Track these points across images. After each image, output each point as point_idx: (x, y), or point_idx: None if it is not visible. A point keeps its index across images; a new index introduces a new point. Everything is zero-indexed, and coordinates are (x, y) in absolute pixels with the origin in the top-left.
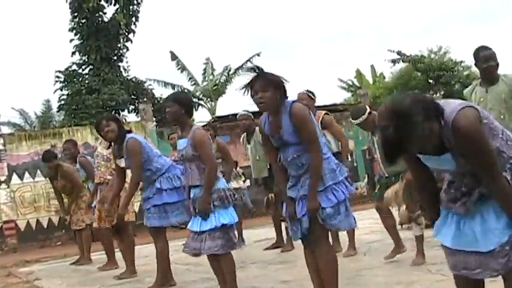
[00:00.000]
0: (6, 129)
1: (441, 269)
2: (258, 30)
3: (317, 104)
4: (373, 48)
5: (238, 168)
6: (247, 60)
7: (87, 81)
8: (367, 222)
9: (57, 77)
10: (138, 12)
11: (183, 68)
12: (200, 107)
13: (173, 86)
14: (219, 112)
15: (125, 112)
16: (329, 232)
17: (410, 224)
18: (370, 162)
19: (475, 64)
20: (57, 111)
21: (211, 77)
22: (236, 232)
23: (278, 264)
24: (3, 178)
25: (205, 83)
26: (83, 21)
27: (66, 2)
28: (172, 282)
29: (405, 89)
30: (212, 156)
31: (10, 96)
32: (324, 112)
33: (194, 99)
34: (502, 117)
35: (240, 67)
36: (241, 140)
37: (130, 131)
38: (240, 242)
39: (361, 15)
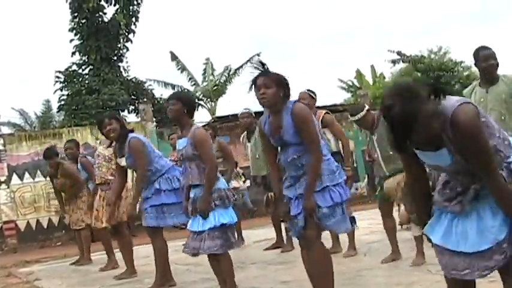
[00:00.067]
0: (6, 130)
1: (441, 270)
2: (258, 30)
3: (317, 104)
4: (373, 48)
5: (238, 168)
6: (248, 60)
7: (87, 82)
8: (366, 222)
9: (57, 77)
10: (138, 12)
11: (183, 68)
12: (200, 107)
13: (173, 86)
14: (219, 112)
15: (125, 112)
16: (329, 233)
17: (409, 225)
18: (370, 164)
19: (475, 64)
20: (57, 112)
21: (211, 77)
22: (235, 232)
23: (278, 265)
24: (3, 178)
25: (205, 83)
26: (83, 21)
27: (66, 2)
28: (172, 283)
29: None
30: (212, 156)
31: (10, 96)
32: (324, 111)
33: None
34: (502, 117)
35: (240, 67)
36: (241, 139)
37: (132, 130)
38: (238, 242)
39: (361, 15)
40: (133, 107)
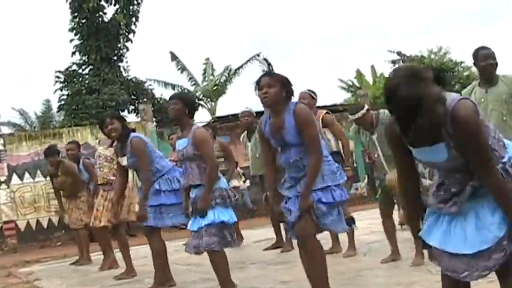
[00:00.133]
0: (6, 130)
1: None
2: (258, 30)
3: (317, 104)
4: (373, 49)
5: (238, 168)
6: (248, 61)
7: (87, 81)
8: (366, 222)
9: (57, 77)
10: (138, 12)
11: (183, 68)
12: (200, 107)
13: (173, 86)
14: (219, 112)
15: (125, 112)
16: (329, 233)
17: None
18: (371, 165)
19: (474, 64)
20: (57, 112)
21: (211, 77)
22: (233, 232)
23: (278, 265)
24: (3, 178)
25: (205, 83)
26: (83, 21)
27: (66, 2)
28: (172, 283)
29: None
30: (213, 156)
31: (10, 96)
32: (325, 111)
33: None
34: (504, 118)
35: (240, 67)
36: (241, 138)
37: (134, 130)
38: (236, 241)
39: (361, 15)
40: (133, 107)
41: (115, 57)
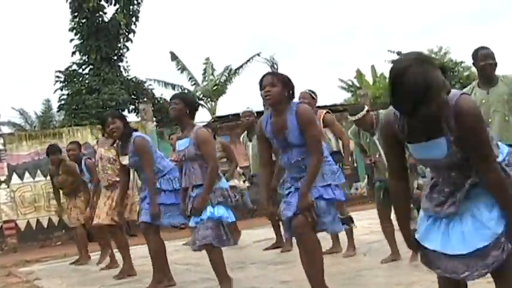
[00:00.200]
0: (6, 129)
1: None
2: (258, 30)
3: (317, 104)
4: (373, 48)
5: (238, 168)
6: (247, 61)
7: (87, 81)
8: (366, 222)
9: (57, 76)
10: (138, 12)
11: (183, 68)
12: (200, 107)
13: (173, 86)
14: (219, 112)
15: (125, 112)
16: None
17: None
18: (369, 165)
19: (473, 64)
20: (58, 111)
21: (211, 77)
22: (229, 232)
23: (278, 265)
24: (3, 178)
25: (205, 83)
26: (83, 21)
27: (66, 2)
28: (172, 282)
29: None
30: (215, 156)
31: (10, 96)
32: (325, 111)
33: None
34: (506, 118)
35: (240, 67)
36: (241, 138)
37: (136, 130)
38: (231, 240)
39: (361, 15)
40: (133, 107)
41: (115, 57)
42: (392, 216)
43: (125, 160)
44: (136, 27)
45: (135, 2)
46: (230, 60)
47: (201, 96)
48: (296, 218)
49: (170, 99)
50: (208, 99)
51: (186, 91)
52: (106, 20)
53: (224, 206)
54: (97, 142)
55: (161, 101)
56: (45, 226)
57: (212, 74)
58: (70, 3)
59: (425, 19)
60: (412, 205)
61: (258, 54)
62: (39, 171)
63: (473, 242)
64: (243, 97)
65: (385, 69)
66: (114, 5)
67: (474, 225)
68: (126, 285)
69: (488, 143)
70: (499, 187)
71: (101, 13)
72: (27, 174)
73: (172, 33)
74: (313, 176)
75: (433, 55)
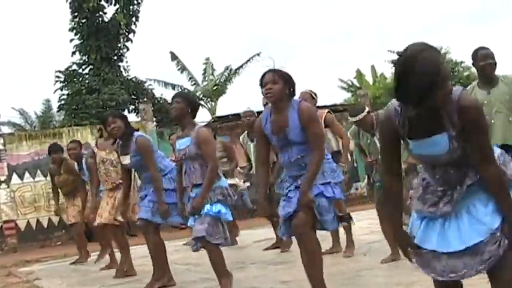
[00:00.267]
0: (6, 129)
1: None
2: (258, 30)
3: (317, 104)
4: (373, 48)
5: (238, 168)
6: (247, 61)
7: (87, 81)
8: (366, 222)
9: (57, 76)
10: (138, 12)
11: (183, 68)
12: (200, 107)
13: (173, 86)
14: (219, 112)
15: (125, 112)
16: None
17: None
18: (369, 164)
19: (473, 64)
20: (58, 111)
21: (211, 77)
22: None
23: (278, 265)
24: (3, 178)
25: (205, 83)
26: (83, 21)
27: (66, 2)
28: (172, 282)
29: None
30: (215, 156)
31: (10, 96)
32: (326, 111)
33: None
34: (510, 119)
35: (240, 67)
36: (240, 138)
37: (137, 129)
38: (230, 241)
39: (361, 15)
40: (133, 107)
41: (115, 57)
42: None
43: (126, 160)
44: (136, 27)
45: (135, 2)
46: (230, 60)
47: (201, 96)
48: (297, 216)
49: (172, 98)
50: (208, 99)
51: (186, 91)
52: (106, 20)
53: (223, 204)
54: (96, 144)
55: (161, 101)
56: (45, 226)
57: (212, 74)
58: (70, 3)
59: (425, 19)
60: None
61: (258, 54)
62: (39, 171)
63: (469, 237)
64: (243, 97)
65: (385, 69)
66: (114, 5)
67: (470, 222)
68: (126, 285)
69: (489, 137)
70: (498, 183)
71: (101, 13)
72: (27, 174)
73: (172, 33)
74: (314, 173)
75: None
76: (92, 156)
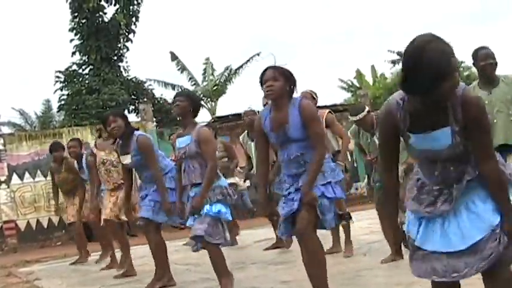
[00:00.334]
0: (6, 129)
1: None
2: (258, 30)
3: (318, 104)
4: (373, 48)
5: (238, 168)
6: (247, 61)
7: (87, 81)
8: (366, 222)
9: (57, 77)
10: (138, 12)
11: (183, 68)
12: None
13: (173, 87)
14: (219, 112)
15: (125, 112)
16: (330, 233)
17: None
18: (368, 164)
19: (474, 64)
20: (58, 111)
21: (211, 77)
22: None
23: (278, 265)
24: (3, 178)
25: (205, 83)
26: (83, 21)
27: (66, 2)
28: (172, 282)
29: None
30: (215, 156)
31: (10, 96)
32: (327, 111)
33: None
34: (511, 119)
35: (240, 67)
36: (240, 138)
37: (137, 129)
38: (230, 241)
39: (361, 15)
40: (133, 107)
41: (115, 57)
42: None
43: (126, 159)
44: (136, 27)
45: (135, 2)
46: (230, 60)
47: (201, 96)
48: (299, 215)
49: (174, 97)
50: (208, 99)
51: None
52: (106, 20)
53: (223, 203)
54: (95, 144)
55: (161, 101)
56: (45, 226)
57: (212, 74)
58: (70, 3)
59: (425, 19)
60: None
61: (258, 54)
62: (39, 172)
63: (471, 235)
64: (243, 97)
65: (385, 69)
66: (114, 5)
67: (469, 218)
68: (126, 285)
69: (490, 132)
70: (497, 181)
71: (101, 13)
72: (27, 175)
73: (172, 33)
74: (316, 172)
75: None
76: (91, 155)
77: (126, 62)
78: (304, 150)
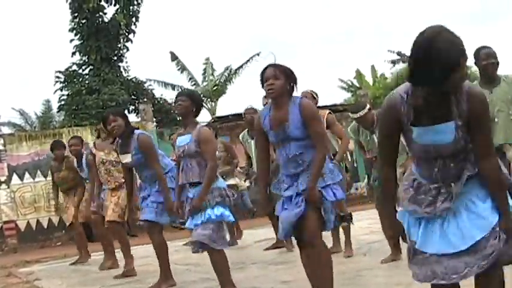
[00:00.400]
0: (6, 130)
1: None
2: (258, 30)
3: (318, 104)
4: (373, 48)
5: (238, 168)
6: (247, 61)
7: (87, 82)
8: (366, 222)
9: (57, 77)
10: (138, 12)
11: (183, 69)
12: None
13: (173, 87)
14: (219, 112)
15: (125, 112)
16: (330, 233)
17: None
18: (367, 162)
19: (475, 63)
20: (58, 112)
21: (211, 77)
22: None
23: (278, 265)
24: (3, 178)
25: (205, 83)
26: (83, 21)
27: (66, 2)
28: (172, 282)
29: None
30: (215, 156)
31: (10, 96)
32: (327, 111)
33: None
34: (511, 118)
35: (240, 67)
36: (240, 136)
37: (137, 128)
38: (232, 240)
39: (361, 15)
40: (133, 107)
41: (115, 57)
42: None
43: (126, 159)
44: (136, 27)
45: (135, 2)
46: (230, 60)
47: (201, 96)
48: (307, 220)
49: (176, 97)
50: (208, 100)
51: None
52: (106, 20)
53: (222, 205)
54: (94, 145)
55: (161, 102)
56: (45, 227)
57: (212, 74)
58: (70, 3)
59: (426, 19)
60: None
61: (258, 54)
62: (39, 172)
63: (471, 234)
64: (243, 97)
65: (385, 69)
66: (114, 5)
67: (469, 218)
68: (126, 285)
69: (491, 134)
70: (496, 177)
71: (100, 13)
72: (27, 175)
73: (172, 33)
74: (319, 170)
75: None
76: (91, 154)
77: (126, 62)
78: (303, 150)
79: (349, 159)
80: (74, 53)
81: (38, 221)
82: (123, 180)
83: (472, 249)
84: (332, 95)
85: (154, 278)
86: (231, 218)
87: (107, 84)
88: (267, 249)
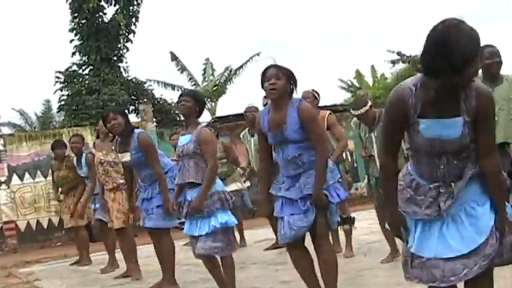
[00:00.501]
0: (6, 130)
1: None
2: (258, 30)
3: (319, 104)
4: (373, 48)
5: (238, 168)
6: (247, 61)
7: (87, 82)
8: (366, 222)
9: (57, 77)
10: (138, 12)
11: (183, 69)
12: None
13: (173, 87)
14: (219, 112)
15: (125, 111)
16: (330, 233)
17: None
18: (366, 162)
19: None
20: (57, 112)
21: (211, 77)
22: (236, 234)
23: (278, 265)
24: (3, 179)
25: (205, 84)
26: (83, 21)
27: (66, 2)
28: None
29: None
30: (215, 156)
31: (10, 96)
32: (328, 112)
33: None
34: (511, 117)
35: (240, 67)
36: (241, 135)
37: (137, 127)
38: (240, 242)
39: (361, 15)
40: (133, 107)
41: (115, 58)
42: None
43: (125, 157)
44: (136, 27)
45: (135, 2)
46: (230, 60)
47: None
48: (318, 224)
49: (179, 97)
50: (208, 100)
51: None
52: (106, 20)
53: (223, 211)
54: (94, 145)
55: (161, 102)
56: (45, 227)
57: (212, 74)
58: (70, 3)
59: (425, 19)
60: None
61: (258, 54)
62: (39, 172)
63: (472, 238)
64: (243, 97)
65: (385, 69)
66: (114, 5)
67: (469, 222)
68: (126, 285)
69: (494, 132)
70: (497, 176)
71: (100, 14)
72: (27, 175)
73: (172, 33)
74: (322, 174)
75: None
76: (91, 153)
77: (126, 62)
78: (302, 151)
79: (349, 160)
80: (74, 53)
81: (38, 221)
82: (121, 181)
83: (473, 252)
84: (332, 95)
85: (154, 278)
86: (234, 221)
87: (107, 84)
88: (267, 249)
